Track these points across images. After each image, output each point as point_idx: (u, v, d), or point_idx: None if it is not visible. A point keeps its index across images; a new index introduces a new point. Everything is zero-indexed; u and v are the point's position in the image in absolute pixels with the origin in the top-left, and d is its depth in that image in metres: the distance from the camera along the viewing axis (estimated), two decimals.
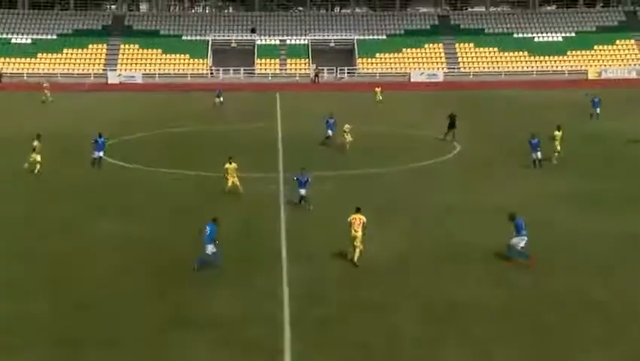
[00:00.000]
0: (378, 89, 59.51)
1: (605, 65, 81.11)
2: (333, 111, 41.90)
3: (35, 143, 33.14)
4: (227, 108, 55.65)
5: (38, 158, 32.51)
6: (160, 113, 54.10)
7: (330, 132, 40.00)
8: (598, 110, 48.34)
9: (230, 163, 29.10)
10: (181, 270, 21.05)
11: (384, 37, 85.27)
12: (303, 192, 27.31)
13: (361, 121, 39.65)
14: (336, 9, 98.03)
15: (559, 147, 34.85)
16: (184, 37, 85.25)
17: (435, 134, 42.66)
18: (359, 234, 21.16)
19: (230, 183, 28.89)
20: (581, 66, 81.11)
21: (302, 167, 28.04)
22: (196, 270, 20.65)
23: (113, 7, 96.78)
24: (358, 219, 21.30)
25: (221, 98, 57.38)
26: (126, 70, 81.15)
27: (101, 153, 34.22)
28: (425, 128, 45.31)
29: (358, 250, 21.19)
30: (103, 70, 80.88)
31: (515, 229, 21.20)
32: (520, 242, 21.04)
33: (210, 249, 20.74)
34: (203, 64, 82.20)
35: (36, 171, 32.46)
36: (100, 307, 18.62)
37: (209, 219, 21.30)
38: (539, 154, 33.45)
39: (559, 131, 35.34)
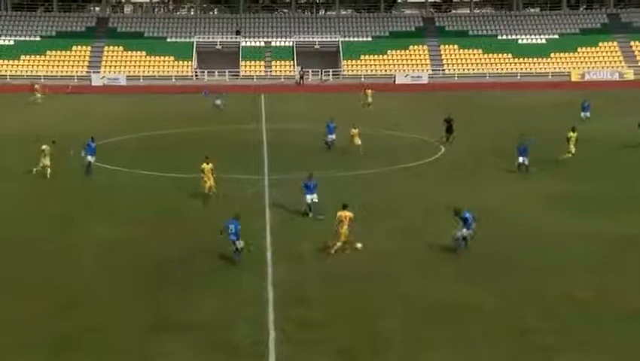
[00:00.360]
0: (369, 91, 59.09)
1: (588, 67, 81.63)
2: (333, 116, 40.98)
3: (44, 147, 32.79)
4: (219, 110, 55.39)
5: (48, 162, 32.42)
6: (145, 115, 53.94)
7: (331, 137, 39.20)
8: (588, 113, 48.34)
9: (207, 164, 28.82)
10: (165, 272, 20.96)
11: (369, 39, 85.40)
12: (310, 198, 25.94)
13: (354, 123, 39.37)
14: (321, 11, 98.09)
15: (573, 149, 34.73)
16: (168, 39, 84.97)
17: (422, 136, 42.74)
18: (346, 230, 21.92)
19: (207, 185, 28.63)
20: (564, 68, 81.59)
21: (309, 172, 26.83)
22: (237, 263, 21.19)
23: (97, 9, 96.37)
24: (345, 217, 22.01)
25: (219, 101, 56.78)
26: (110, 72, 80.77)
27: (92, 158, 33.60)
28: (412, 131, 45.33)
29: (338, 244, 21.92)
30: (87, 72, 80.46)
31: (462, 222, 21.85)
32: (462, 233, 21.83)
33: (240, 244, 21.26)
34: (188, 66, 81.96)
35: (47, 175, 32.34)
36: (86, 310, 18.49)
37: (230, 217, 21.68)
38: (526, 160, 32.93)
39: (573, 132, 35.22)
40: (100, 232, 24.84)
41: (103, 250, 23.11)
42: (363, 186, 31.10)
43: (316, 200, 25.99)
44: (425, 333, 17.24)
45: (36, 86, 63.79)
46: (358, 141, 37.82)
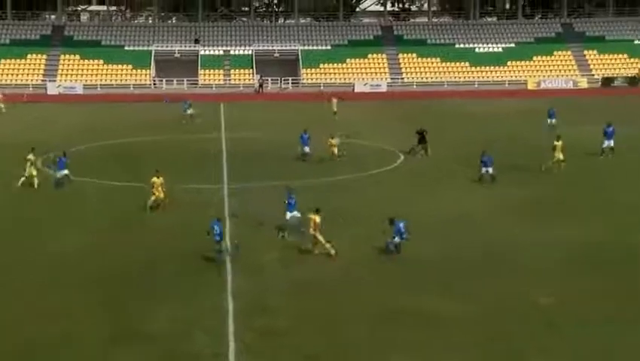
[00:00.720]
0: (335, 100, 58.72)
1: (544, 76, 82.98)
2: (307, 127, 40.07)
3: (30, 156, 32.27)
4: (192, 119, 54.90)
5: (34, 172, 31.90)
6: (104, 124, 53.25)
7: (306, 149, 38.33)
8: (554, 120, 48.43)
9: (158, 177, 28.42)
10: (122, 283, 20.69)
11: (328, 47, 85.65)
12: (290, 215, 25.00)
13: (320, 132, 39.10)
14: (280, 20, 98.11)
15: (561, 156, 34.86)
16: (126, 48, 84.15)
17: (383, 145, 42.83)
18: (317, 234, 22.79)
19: (154, 198, 28.25)
20: (521, 77, 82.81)
21: (287, 185, 26.14)
22: (217, 262, 21.90)
23: (52, 17, 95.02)
24: (312, 221, 22.89)
25: (191, 111, 56.08)
26: (66, 80, 79.68)
27: (65, 171, 32.76)
28: (374, 139, 44.97)
29: (320, 243, 22.78)
30: (42, 80, 79.26)
31: (395, 231, 22.78)
32: (394, 242, 22.92)
33: (225, 245, 22.11)
34: (146, 74, 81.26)
35: (35, 185, 31.82)
36: (41, 321, 18.13)
37: (214, 218, 22.70)
38: (490, 169, 32.81)
39: (558, 141, 35.48)
40: (57, 242, 24.42)
41: (60, 260, 22.70)
42: (326, 194, 31.07)
43: (298, 215, 25.01)
44: (391, 340, 17.26)
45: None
46: (336, 150, 38.03)
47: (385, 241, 23.12)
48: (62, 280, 21.13)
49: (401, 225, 23.13)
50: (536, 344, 17.01)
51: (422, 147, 39.92)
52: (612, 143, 38.76)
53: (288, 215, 25.18)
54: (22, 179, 31.91)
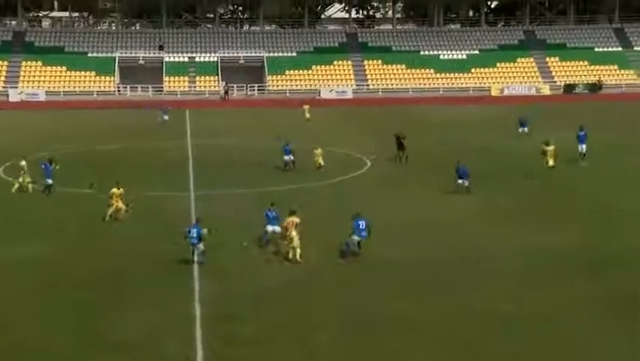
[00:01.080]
0: (306, 107, 58.32)
1: (507, 82, 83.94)
2: (285, 136, 39.65)
3: (23, 163, 32.53)
4: (164, 125, 54.35)
5: (28, 178, 32.17)
6: (68, 131, 52.59)
7: (289, 157, 37.47)
8: (526, 128, 48.26)
9: (118, 188, 28.07)
10: (90, 290, 20.41)
11: (293, 54, 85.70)
12: (271, 229, 24.45)
13: (317, 144, 38.39)
14: (245, 26, 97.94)
15: (551, 162, 34.74)
16: (89, 54, 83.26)
17: (349, 151, 42.92)
18: (294, 234, 22.72)
19: (112, 209, 27.88)
20: (485, 83, 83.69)
21: (271, 202, 25.49)
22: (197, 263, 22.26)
23: (13, 22, 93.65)
24: (291, 222, 22.90)
25: (166, 117, 56.03)
26: (28, 87, 78.56)
27: (50, 181, 32.08)
28: (341, 146, 44.87)
29: (298, 250, 22.69)
30: (3, 87, 78.06)
31: (354, 227, 22.97)
32: (355, 239, 23.09)
33: (201, 247, 22.36)
34: (110, 81, 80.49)
35: (30, 190, 32.03)
36: (10, 330, 17.78)
37: (192, 223, 22.97)
38: (466, 182, 31.96)
39: (548, 146, 35.26)
40: (21, 249, 24.00)
41: (25, 269, 22.30)
42: (293, 201, 30.95)
43: (275, 230, 24.49)
44: (359, 347, 17.23)
45: None
46: (321, 161, 37.29)
47: (345, 241, 23.09)
48: (29, 289, 20.76)
49: (361, 222, 23.14)
50: (506, 352, 17.02)
51: (400, 152, 39.49)
52: (584, 147, 38.73)
53: (270, 228, 24.55)
54: (17, 185, 32.29)
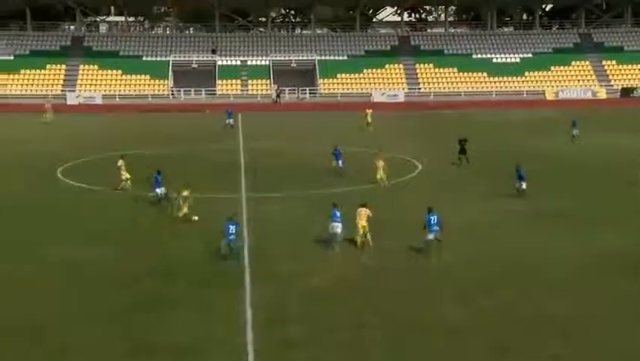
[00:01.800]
0: (369, 111, 57.14)
1: (562, 86, 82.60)
2: (337, 143, 38.94)
3: (120, 162, 33.99)
4: (232, 129, 54.86)
5: (127, 175, 33.67)
6: (130, 134, 53.55)
7: (339, 163, 37.07)
8: (576, 131, 47.91)
9: (187, 191, 28.12)
10: (137, 294, 20.57)
11: (345, 57, 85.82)
12: (337, 226, 23.98)
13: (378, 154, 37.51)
14: (297, 30, 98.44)
15: None
16: (144, 58, 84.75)
17: (405, 155, 42.65)
18: (364, 223, 23.97)
19: (183, 211, 28.07)
20: (539, 87, 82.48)
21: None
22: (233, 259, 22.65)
23: (72, 27, 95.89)
24: (364, 212, 24.10)
25: (232, 120, 56.66)
26: (85, 91, 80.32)
27: (159, 190, 31.13)
28: (397, 149, 44.37)
29: (369, 235, 24.03)
30: (62, 91, 79.93)
31: (426, 223, 23.41)
32: (430, 235, 23.49)
33: (240, 243, 23.03)
34: (164, 85, 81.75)
35: (129, 187, 33.44)
36: (56, 333, 18.05)
37: (227, 218, 23.09)
38: (524, 184, 31.69)
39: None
40: (80, 251, 24.44)
41: (70, 271, 22.58)
42: (345, 203, 30.94)
43: (340, 230, 24.20)
44: (407, 349, 17.14)
45: (46, 105, 63.50)
46: (382, 173, 34.64)
47: (424, 239, 23.60)
48: (73, 292, 20.86)
49: (433, 217, 23.29)
50: (551, 357, 16.73)
51: (462, 157, 39.89)
52: None
53: (335, 226, 24.12)
54: (122, 183, 33.62)
